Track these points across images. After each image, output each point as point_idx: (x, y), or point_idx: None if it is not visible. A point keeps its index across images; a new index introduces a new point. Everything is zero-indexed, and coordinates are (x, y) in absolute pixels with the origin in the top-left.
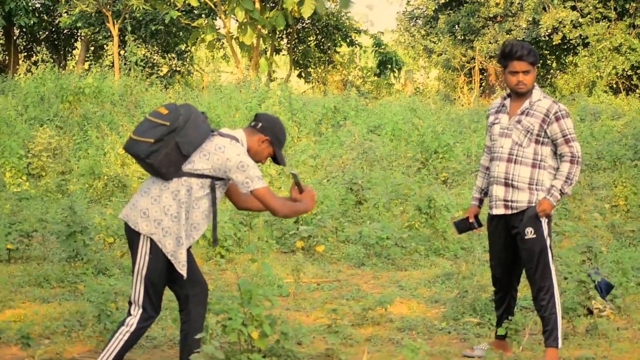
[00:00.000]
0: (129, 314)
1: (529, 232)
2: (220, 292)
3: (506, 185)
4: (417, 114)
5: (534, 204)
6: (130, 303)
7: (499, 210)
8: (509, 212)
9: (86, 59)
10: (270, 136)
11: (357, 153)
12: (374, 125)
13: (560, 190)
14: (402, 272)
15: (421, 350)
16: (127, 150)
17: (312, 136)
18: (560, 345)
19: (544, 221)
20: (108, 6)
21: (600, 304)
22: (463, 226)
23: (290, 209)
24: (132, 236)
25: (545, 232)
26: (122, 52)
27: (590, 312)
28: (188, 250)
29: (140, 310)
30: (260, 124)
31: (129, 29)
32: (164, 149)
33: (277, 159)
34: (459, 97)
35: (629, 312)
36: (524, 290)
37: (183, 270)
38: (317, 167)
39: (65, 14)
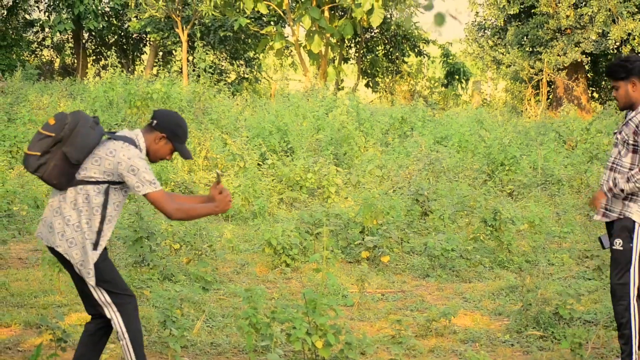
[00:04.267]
0: (110, 318)
1: (617, 244)
2: (285, 301)
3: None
4: (484, 126)
5: (623, 216)
6: (102, 310)
7: (598, 217)
8: (605, 219)
9: (155, 64)
10: (166, 132)
11: (423, 164)
12: (440, 137)
13: (615, 183)
14: (466, 284)
15: None
16: (23, 164)
17: (379, 146)
18: None
19: (636, 236)
20: (177, 12)
21: None
22: (607, 241)
23: (187, 213)
24: (54, 252)
25: (635, 248)
26: (190, 58)
27: None
28: (108, 258)
29: (116, 308)
30: (155, 122)
31: (198, 35)
32: (52, 161)
33: (180, 154)
34: (526, 110)
35: None
36: (587, 304)
37: (91, 280)
38: (384, 178)
39: (135, 19)
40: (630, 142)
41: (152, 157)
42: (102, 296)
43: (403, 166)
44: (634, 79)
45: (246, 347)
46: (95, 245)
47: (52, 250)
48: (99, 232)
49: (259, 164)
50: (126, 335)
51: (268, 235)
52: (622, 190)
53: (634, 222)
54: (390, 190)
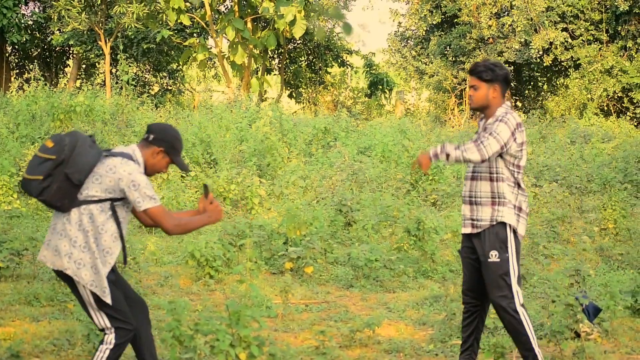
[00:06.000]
0: (105, 334)
1: (493, 256)
2: (208, 313)
3: (471, 203)
4: (408, 136)
5: (495, 222)
6: (102, 331)
7: (467, 229)
8: (475, 230)
9: (78, 76)
10: (163, 146)
11: (346, 174)
12: (364, 147)
13: (442, 147)
14: (390, 294)
15: None
16: (23, 189)
17: (302, 157)
18: None
19: (510, 245)
20: (100, 24)
21: (587, 327)
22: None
23: (184, 228)
24: (61, 275)
25: (512, 257)
26: (113, 70)
27: (578, 335)
28: (117, 273)
29: (114, 330)
30: (152, 136)
31: (121, 47)
32: (55, 183)
33: (178, 167)
34: (450, 119)
35: (616, 335)
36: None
37: (107, 298)
38: (307, 188)
39: (58, 32)
40: None
41: (149, 171)
42: (101, 319)
43: (326, 177)
44: (496, 85)
45: None
46: (104, 264)
47: (58, 273)
48: (108, 250)
49: (182, 176)
50: (106, 355)
51: (191, 248)
52: (448, 156)
53: (506, 226)
54: (313, 201)
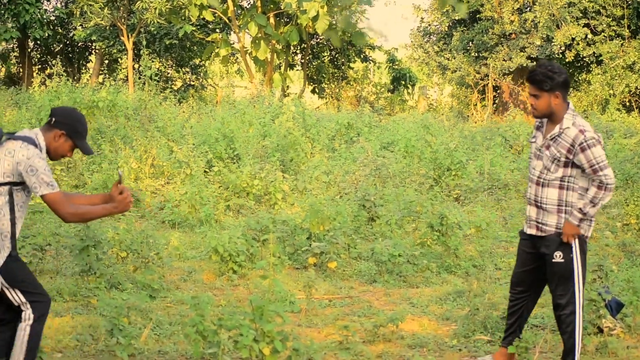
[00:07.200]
0: (22, 311)
1: (557, 257)
2: (232, 308)
3: (537, 207)
4: (430, 131)
5: (561, 229)
6: (18, 308)
7: (532, 231)
8: (540, 233)
9: (100, 72)
10: (65, 129)
11: (369, 169)
12: (387, 142)
13: (581, 209)
14: (413, 289)
15: None
16: None
17: (325, 152)
18: None
19: (575, 244)
20: (123, 20)
21: (610, 322)
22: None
23: (82, 216)
24: None
25: (575, 256)
26: (136, 66)
27: (601, 330)
28: (20, 260)
29: (29, 305)
30: (54, 119)
31: (144, 42)
32: None
33: (82, 150)
34: (472, 114)
35: (639, 330)
36: (534, 308)
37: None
38: (330, 184)
39: (80, 27)
40: (563, 159)
41: (53, 155)
42: (16, 296)
43: (349, 172)
44: (557, 92)
45: (193, 355)
46: (13, 248)
47: None
48: (12, 235)
49: (205, 171)
50: (27, 331)
51: (215, 243)
52: (586, 216)
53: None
54: (336, 196)
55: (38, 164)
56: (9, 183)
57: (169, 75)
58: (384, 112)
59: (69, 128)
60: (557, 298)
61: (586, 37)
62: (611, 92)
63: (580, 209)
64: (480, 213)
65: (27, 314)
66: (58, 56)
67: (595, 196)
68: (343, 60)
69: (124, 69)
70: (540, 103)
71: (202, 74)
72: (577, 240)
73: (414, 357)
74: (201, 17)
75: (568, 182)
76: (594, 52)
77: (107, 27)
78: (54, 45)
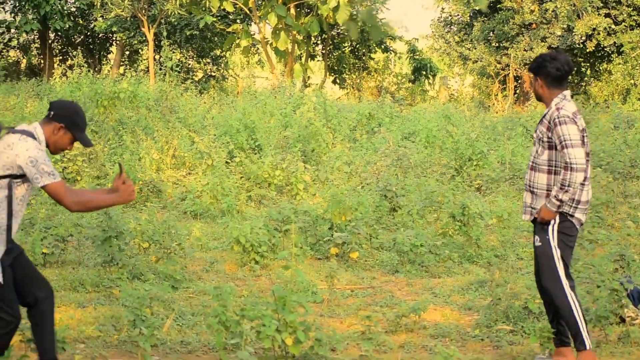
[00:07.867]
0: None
1: (537, 240)
2: (254, 298)
3: (531, 192)
4: (452, 121)
5: None
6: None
7: (526, 217)
8: (531, 218)
9: (121, 63)
10: (64, 122)
11: (391, 160)
12: (408, 132)
13: (555, 196)
14: (435, 279)
15: (454, 357)
16: None
17: (347, 142)
18: (588, 346)
19: (551, 230)
20: (143, 11)
21: (632, 312)
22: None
23: (86, 205)
24: None
25: (552, 239)
26: (157, 56)
27: (623, 320)
28: (22, 252)
29: None
30: (52, 113)
31: (164, 33)
32: None
33: (82, 143)
34: (494, 105)
35: None
36: None
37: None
38: (352, 174)
39: (101, 18)
40: (545, 139)
41: (53, 149)
42: None
43: (371, 162)
44: (539, 78)
45: (216, 345)
46: (7, 242)
47: None
48: (9, 229)
49: (226, 162)
50: None
51: (237, 233)
52: (562, 201)
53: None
54: (358, 187)
55: (37, 154)
56: (9, 176)
57: (189, 66)
58: (405, 103)
59: (67, 121)
60: (543, 281)
61: (607, 27)
62: (632, 81)
63: (554, 196)
64: (501, 203)
65: None
66: (79, 47)
67: (564, 178)
68: (364, 50)
69: (144, 60)
70: (534, 87)
71: (223, 65)
72: (555, 225)
73: (436, 347)
74: (222, 7)
75: (555, 167)
76: (614, 42)
77: (128, 18)
78: (75, 36)
